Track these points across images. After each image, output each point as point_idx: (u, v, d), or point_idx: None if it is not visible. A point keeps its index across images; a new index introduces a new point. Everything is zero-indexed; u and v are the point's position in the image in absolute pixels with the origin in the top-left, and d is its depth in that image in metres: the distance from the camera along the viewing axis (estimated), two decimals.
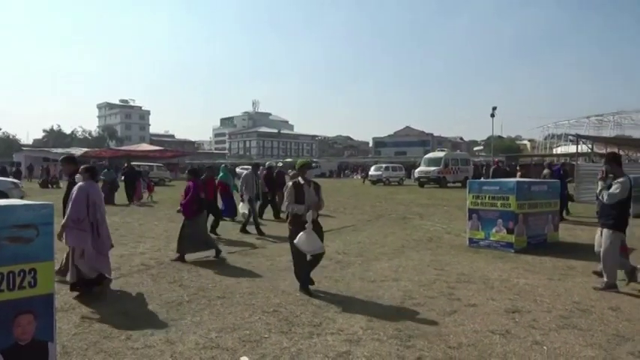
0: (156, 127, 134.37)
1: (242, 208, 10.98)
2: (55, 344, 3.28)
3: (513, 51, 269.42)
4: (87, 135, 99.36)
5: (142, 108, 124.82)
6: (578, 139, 24.63)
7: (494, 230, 8.77)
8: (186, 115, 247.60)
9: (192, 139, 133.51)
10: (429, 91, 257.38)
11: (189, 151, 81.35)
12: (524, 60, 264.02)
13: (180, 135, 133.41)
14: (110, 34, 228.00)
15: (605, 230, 6.12)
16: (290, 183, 5.91)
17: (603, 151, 31.55)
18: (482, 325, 4.68)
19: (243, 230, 10.86)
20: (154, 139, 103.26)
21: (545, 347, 4.10)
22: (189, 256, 7.90)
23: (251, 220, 10.92)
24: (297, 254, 5.78)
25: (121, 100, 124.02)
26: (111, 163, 33.04)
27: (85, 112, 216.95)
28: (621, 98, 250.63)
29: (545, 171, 14.54)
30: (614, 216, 6.00)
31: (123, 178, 19.73)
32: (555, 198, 9.87)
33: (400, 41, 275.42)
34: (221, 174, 13.98)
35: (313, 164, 58.63)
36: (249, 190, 11.11)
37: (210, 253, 7.95)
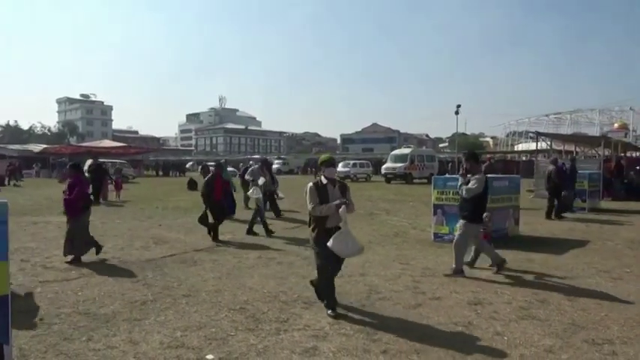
0: (119, 122, 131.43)
1: (254, 193, 10.28)
2: (10, 347, 3.15)
3: (478, 50, 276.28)
4: (46, 131, 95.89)
5: (104, 103, 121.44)
6: (537, 136, 25.41)
7: (458, 225, 8.94)
8: (151, 111, 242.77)
9: (157, 136, 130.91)
10: (396, 89, 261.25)
11: (153, 148, 79.66)
12: (487, 59, 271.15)
13: (144, 131, 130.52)
14: (70, 28, 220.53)
15: (460, 221, 6.71)
16: (310, 184, 5.01)
17: (561, 148, 32.75)
18: (445, 317, 4.79)
19: (268, 232, 10.13)
20: (117, 135, 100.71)
21: (505, 337, 4.24)
22: (152, 254, 7.75)
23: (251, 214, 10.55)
24: (323, 265, 4.90)
25: (82, 95, 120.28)
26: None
27: (43, 107, 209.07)
28: (578, 97, 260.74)
29: (551, 167, 13.30)
30: (469, 209, 6.56)
31: (88, 175, 18.86)
32: (516, 193, 10.16)
33: (367, 39, 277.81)
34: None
35: (282, 160, 58.35)
36: (256, 178, 10.75)
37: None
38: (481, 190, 6.47)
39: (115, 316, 4.82)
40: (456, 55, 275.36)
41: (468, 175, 6.66)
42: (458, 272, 6.45)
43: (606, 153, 22.28)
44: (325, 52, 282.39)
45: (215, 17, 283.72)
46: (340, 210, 4.73)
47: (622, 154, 27.73)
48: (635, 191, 18.79)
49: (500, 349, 4.00)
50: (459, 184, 6.80)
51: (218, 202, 9.54)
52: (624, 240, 9.38)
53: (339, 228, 4.80)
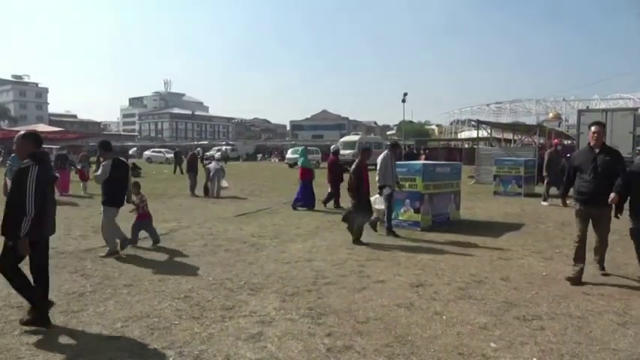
0: (56, 106, 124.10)
1: (377, 202, 8.29)
2: None
3: (424, 40, 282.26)
4: None
5: (39, 85, 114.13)
6: (478, 124, 26.39)
7: (402, 210, 9.21)
8: (91, 94, 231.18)
9: (98, 120, 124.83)
10: (346, 77, 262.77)
11: (94, 133, 76.00)
12: (433, 49, 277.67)
13: (83, 115, 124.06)
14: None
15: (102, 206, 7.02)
16: None
17: (501, 136, 34.26)
18: (389, 299, 4.93)
19: (390, 232, 8.41)
20: (54, 120, 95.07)
21: (444, 317, 4.43)
22: (91, 243, 7.46)
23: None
24: None
25: (14, 76, 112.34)
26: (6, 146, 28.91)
27: None
28: (517, 87, 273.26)
29: None
30: (105, 193, 6.96)
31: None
32: (457, 179, 10.54)
33: (317, 27, 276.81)
34: (301, 159, 12.63)
35: (231, 146, 57.11)
36: (389, 179, 8.46)
37: None
38: (107, 176, 6.80)
39: (51, 308, 4.60)
40: (404, 44, 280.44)
41: (101, 161, 7.12)
42: (112, 254, 6.75)
43: (541, 141, 23.50)
44: (275, 38, 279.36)
45: None
46: None
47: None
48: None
49: (438, 327, 4.18)
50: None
51: (367, 194, 8.08)
52: (555, 223, 9.98)
53: None
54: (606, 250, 5.88)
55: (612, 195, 5.37)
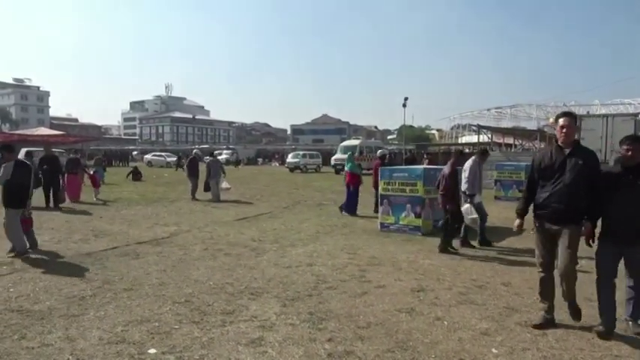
0: (57, 109, 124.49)
1: (468, 212, 7.66)
2: None
3: (425, 45, 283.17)
4: None
5: (41, 88, 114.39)
6: (479, 129, 26.44)
7: (403, 215, 9.20)
8: (92, 98, 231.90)
9: (99, 124, 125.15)
10: (347, 81, 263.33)
11: (94, 137, 76.21)
12: (434, 54, 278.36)
13: (84, 119, 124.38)
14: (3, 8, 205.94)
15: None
16: None
17: (501, 141, 34.28)
18: (390, 304, 4.91)
19: (485, 242, 8.04)
20: (55, 123, 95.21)
21: (445, 322, 4.41)
22: (92, 247, 7.44)
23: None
24: None
25: (15, 79, 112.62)
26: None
27: None
28: (518, 92, 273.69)
29: None
30: (3, 194, 7.05)
31: (40, 171, 12.81)
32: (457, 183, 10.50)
33: (318, 31, 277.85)
34: (349, 164, 12.53)
35: (232, 150, 57.04)
36: (477, 187, 8.06)
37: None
38: (8, 177, 6.93)
39: (51, 312, 4.59)
40: (405, 48, 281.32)
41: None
42: (21, 254, 6.83)
43: (542, 146, 23.52)
44: (277, 43, 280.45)
45: (161, 3, 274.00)
46: None
47: None
48: None
49: (440, 333, 4.16)
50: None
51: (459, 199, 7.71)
52: None
53: None
54: (575, 283, 4.29)
55: (585, 226, 4.20)
